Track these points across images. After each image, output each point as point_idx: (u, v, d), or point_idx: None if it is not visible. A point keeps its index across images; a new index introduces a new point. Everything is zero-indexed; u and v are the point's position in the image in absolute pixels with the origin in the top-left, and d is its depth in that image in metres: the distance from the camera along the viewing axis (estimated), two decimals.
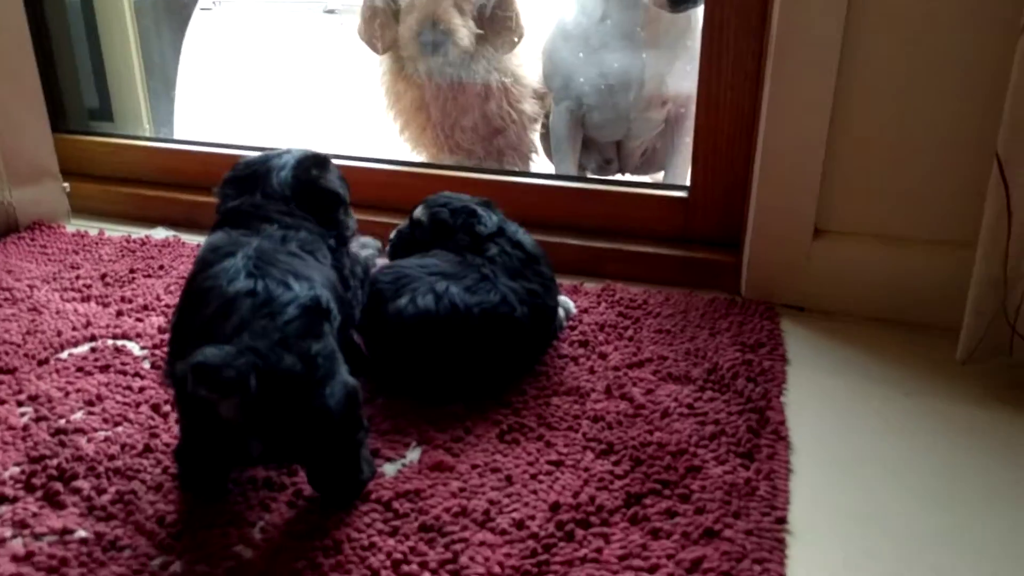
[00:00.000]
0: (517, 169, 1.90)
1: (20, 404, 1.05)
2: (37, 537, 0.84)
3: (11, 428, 1.01)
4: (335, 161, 1.57)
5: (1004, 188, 1.03)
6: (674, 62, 1.66)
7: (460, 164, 1.86)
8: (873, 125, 1.20)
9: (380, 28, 1.77)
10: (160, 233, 1.56)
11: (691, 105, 1.68)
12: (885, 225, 1.24)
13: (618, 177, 1.92)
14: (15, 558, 0.82)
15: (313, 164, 1.03)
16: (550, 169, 1.92)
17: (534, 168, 1.96)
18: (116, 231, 1.58)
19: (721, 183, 1.36)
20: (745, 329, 1.22)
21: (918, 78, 1.17)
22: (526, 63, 1.84)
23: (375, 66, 1.91)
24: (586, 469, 0.94)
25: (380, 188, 1.56)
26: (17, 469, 0.94)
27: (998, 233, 1.05)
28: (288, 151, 1.04)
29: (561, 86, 1.73)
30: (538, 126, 1.91)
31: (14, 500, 0.89)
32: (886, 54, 1.17)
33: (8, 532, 0.85)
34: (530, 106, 1.84)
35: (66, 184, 1.61)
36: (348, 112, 2.92)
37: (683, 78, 1.66)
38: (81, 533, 0.85)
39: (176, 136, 2.12)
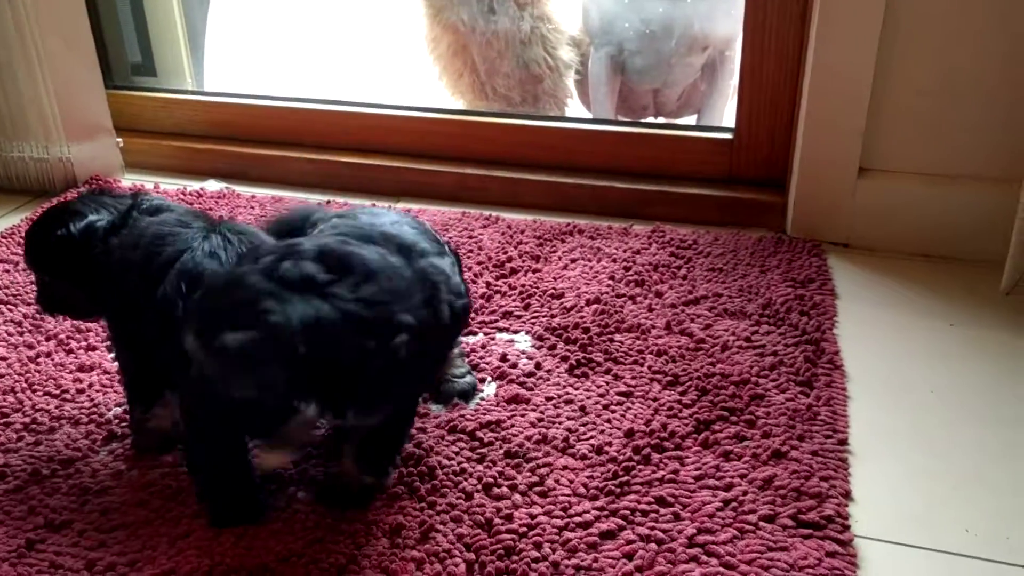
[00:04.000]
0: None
1: (111, 350, 1.11)
2: (151, 469, 0.91)
3: (107, 372, 1.07)
4: (369, 110, 1.62)
5: None
6: (716, 6, 1.68)
7: (499, 111, 1.89)
8: (919, 63, 1.23)
9: None
10: (213, 185, 1.61)
11: (732, 48, 1.72)
12: (929, 163, 1.28)
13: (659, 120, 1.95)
14: (135, 487, 0.88)
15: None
16: (586, 115, 1.95)
17: (569, 114, 2.00)
18: (170, 184, 1.62)
19: (766, 124, 1.39)
20: (794, 266, 1.26)
21: (964, 15, 1.19)
22: (562, 10, 1.86)
23: (402, 9, 1.93)
24: (655, 399, 1.00)
25: (421, 136, 1.60)
26: (119, 409, 1.00)
27: None
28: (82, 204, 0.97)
29: (601, 32, 1.75)
30: (572, 73, 1.93)
31: (123, 438, 0.96)
32: None
33: (123, 466, 0.91)
34: (566, 53, 1.87)
35: (119, 139, 1.65)
36: (373, 57, 2.91)
37: (724, 22, 1.68)
38: None
39: (206, 88, 2.15)
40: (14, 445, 0.95)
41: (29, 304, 1.21)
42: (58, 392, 1.03)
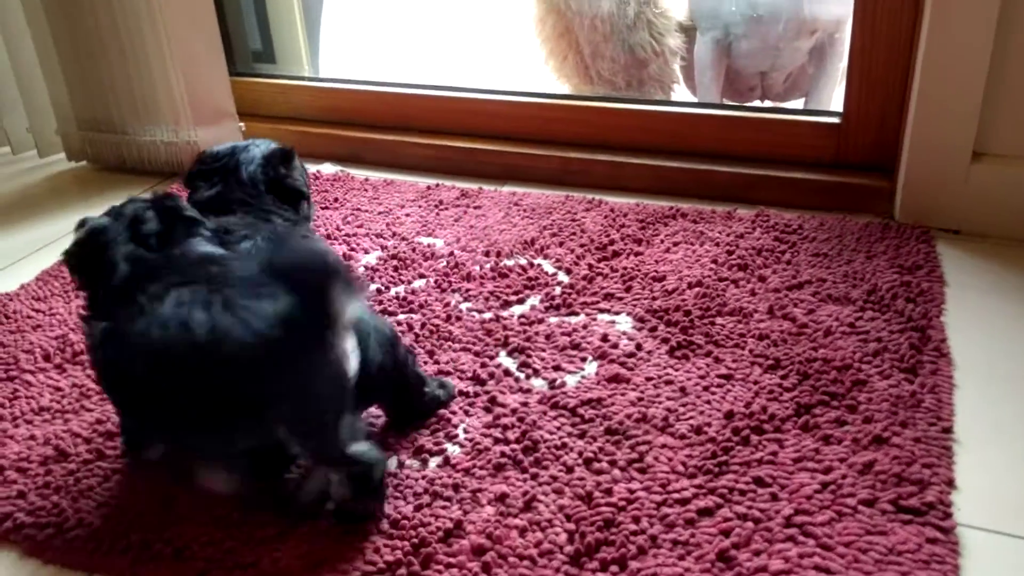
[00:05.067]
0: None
1: None
2: None
3: None
4: (476, 96, 1.66)
5: None
6: None
7: (602, 95, 1.90)
8: None
9: None
10: (329, 168, 1.68)
11: (842, 31, 1.69)
12: None
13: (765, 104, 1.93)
14: None
15: (280, 161, 1.08)
16: (691, 100, 1.95)
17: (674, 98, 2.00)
18: None
19: (876, 107, 1.37)
20: (901, 252, 1.25)
21: None
22: None
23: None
24: (755, 382, 1.01)
25: (527, 121, 1.63)
26: None
27: None
28: (255, 144, 1.09)
29: (708, 16, 1.75)
30: (679, 59, 1.94)
31: None
32: None
33: None
34: (673, 39, 1.87)
35: (241, 124, 1.73)
36: (483, 43, 2.94)
37: (834, 4, 1.65)
38: None
39: (321, 74, 2.23)
40: None
41: None
42: None
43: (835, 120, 1.43)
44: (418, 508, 0.86)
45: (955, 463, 0.89)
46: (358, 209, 1.50)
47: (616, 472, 0.89)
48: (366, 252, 1.35)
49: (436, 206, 1.49)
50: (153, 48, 1.58)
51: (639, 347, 1.09)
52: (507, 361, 1.08)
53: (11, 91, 1.74)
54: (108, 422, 1.01)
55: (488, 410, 0.99)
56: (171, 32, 1.57)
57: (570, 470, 0.90)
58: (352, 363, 0.81)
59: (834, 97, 1.83)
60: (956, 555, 0.79)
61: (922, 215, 1.32)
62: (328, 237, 1.40)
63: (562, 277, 1.26)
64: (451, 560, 0.80)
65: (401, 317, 1.18)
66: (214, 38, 1.65)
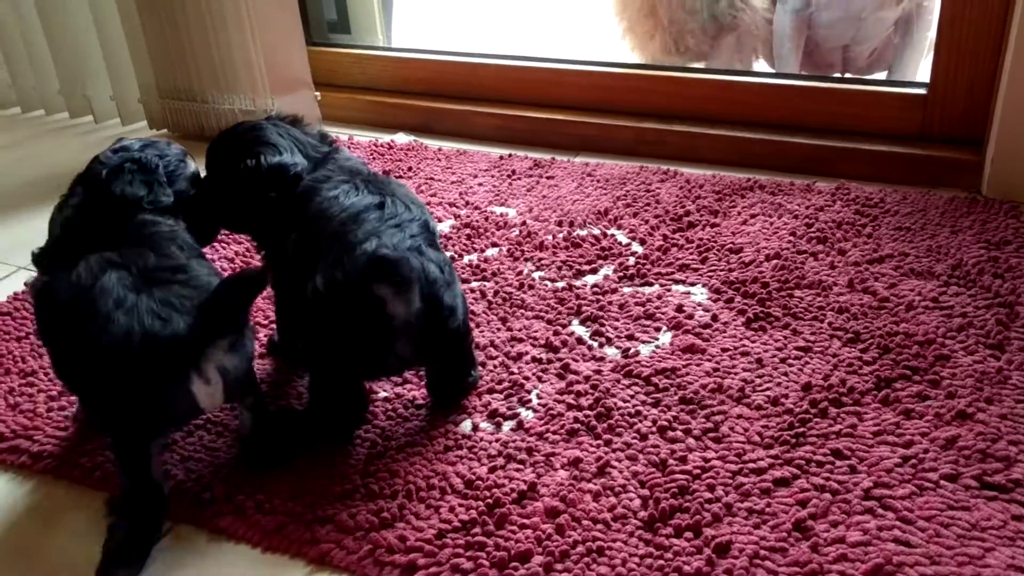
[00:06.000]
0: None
1: None
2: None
3: None
4: (549, 65, 1.64)
5: None
6: None
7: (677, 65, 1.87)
8: None
9: None
10: (403, 138, 1.69)
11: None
12: None
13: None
14: None
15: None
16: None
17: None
18: (363, 136, 1.71)
19: (965, 78, 1.33)
20: (988, 227, 1.21)
21: None
22: None
23: None
24: (834, 355, 0.99)
25: (600, 90, 1.62)
26: None
27: None
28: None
29: None
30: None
31: None
32: None
33: None
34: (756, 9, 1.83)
35: (317, 93, 1.75)
36: (553, 11, 2.90)
37: None
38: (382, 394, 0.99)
39: (394, 44, 2.24)
40: None
41: (240, 243, 1.33)
42: (267, 322, 1.14)
43: (921, 91, 1.38)
44: (492, 470, 0.87)
45: None
46: (431, 178, 1.50)
47: (691, 441, 0.89)
48: (440, 220, 1.36)
49: (509, 176, 1.49)
50: (233, 18, 1.60)
51: (715, 318, 1.08)
52: (580, 329, 1.08)
53: (96, 60, 1.78)
54: None
55: (561, 377, 0.99)
56: (251, 2, 1.59)
57: (644, 437, 0.90)
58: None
59: (920, 68, 1.77)
60: None
61: (1012, 190, 1.28)
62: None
63: (636, 248, 1.25)
64: (525, 521, 0.81)
65: (474, 284, 1.18)
66: (292, 8, 1.67)
